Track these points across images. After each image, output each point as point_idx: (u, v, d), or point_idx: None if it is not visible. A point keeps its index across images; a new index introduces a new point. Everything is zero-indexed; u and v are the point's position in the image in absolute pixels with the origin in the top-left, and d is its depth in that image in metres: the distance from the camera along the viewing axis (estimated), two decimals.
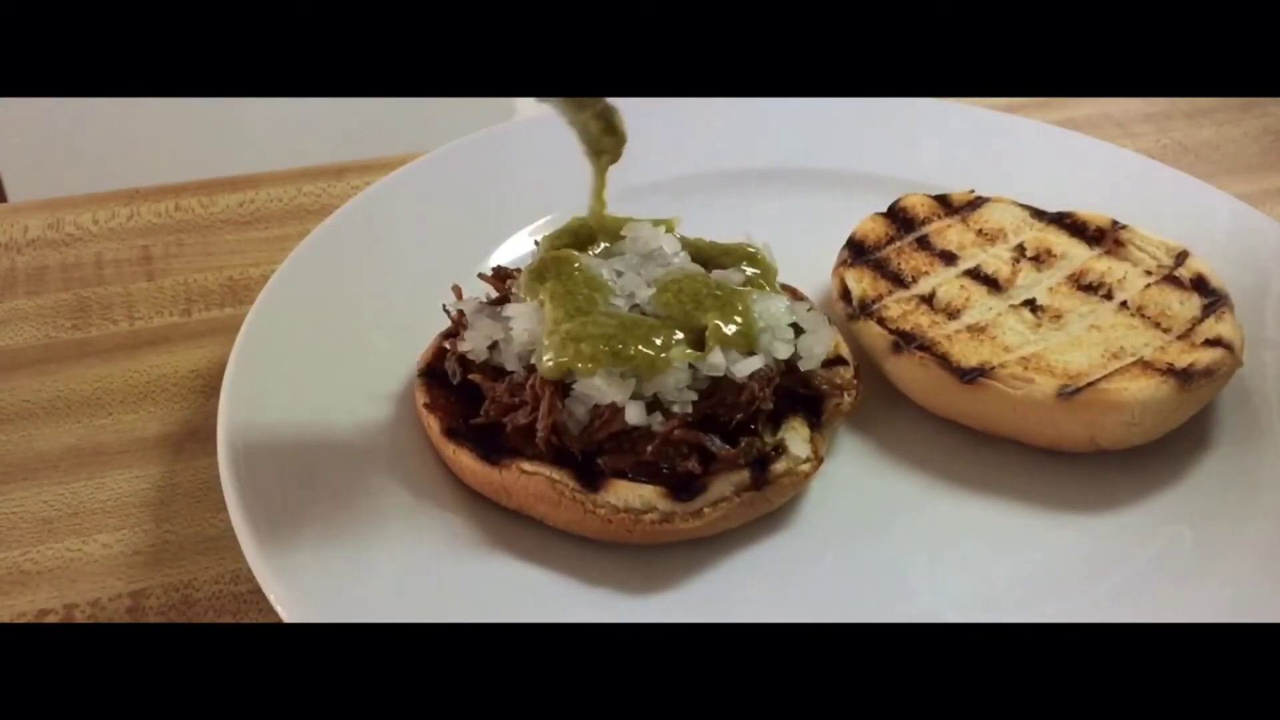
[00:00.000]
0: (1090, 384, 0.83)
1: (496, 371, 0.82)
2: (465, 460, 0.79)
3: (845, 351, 0.89)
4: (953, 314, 0.91)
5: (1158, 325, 0.90)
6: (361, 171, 1.19)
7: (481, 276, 0.90)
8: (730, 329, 0.78)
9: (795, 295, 0.92)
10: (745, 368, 0.77)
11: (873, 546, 0.81)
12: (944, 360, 0.86)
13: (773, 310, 0.81)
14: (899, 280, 0.95)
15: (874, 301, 0.93)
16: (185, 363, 0.96)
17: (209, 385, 0.94)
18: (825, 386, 0.83)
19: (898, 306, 0.92)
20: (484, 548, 0.77)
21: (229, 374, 0.84)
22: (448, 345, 0.85)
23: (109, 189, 1.15)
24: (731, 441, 0.78)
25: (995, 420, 0.86)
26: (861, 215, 1.02)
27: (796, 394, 0.83)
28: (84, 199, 1.13)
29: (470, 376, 0.82)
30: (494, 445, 0.79)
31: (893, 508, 0.84)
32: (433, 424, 0.81)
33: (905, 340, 0.88)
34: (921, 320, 0.90)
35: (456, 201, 1.05)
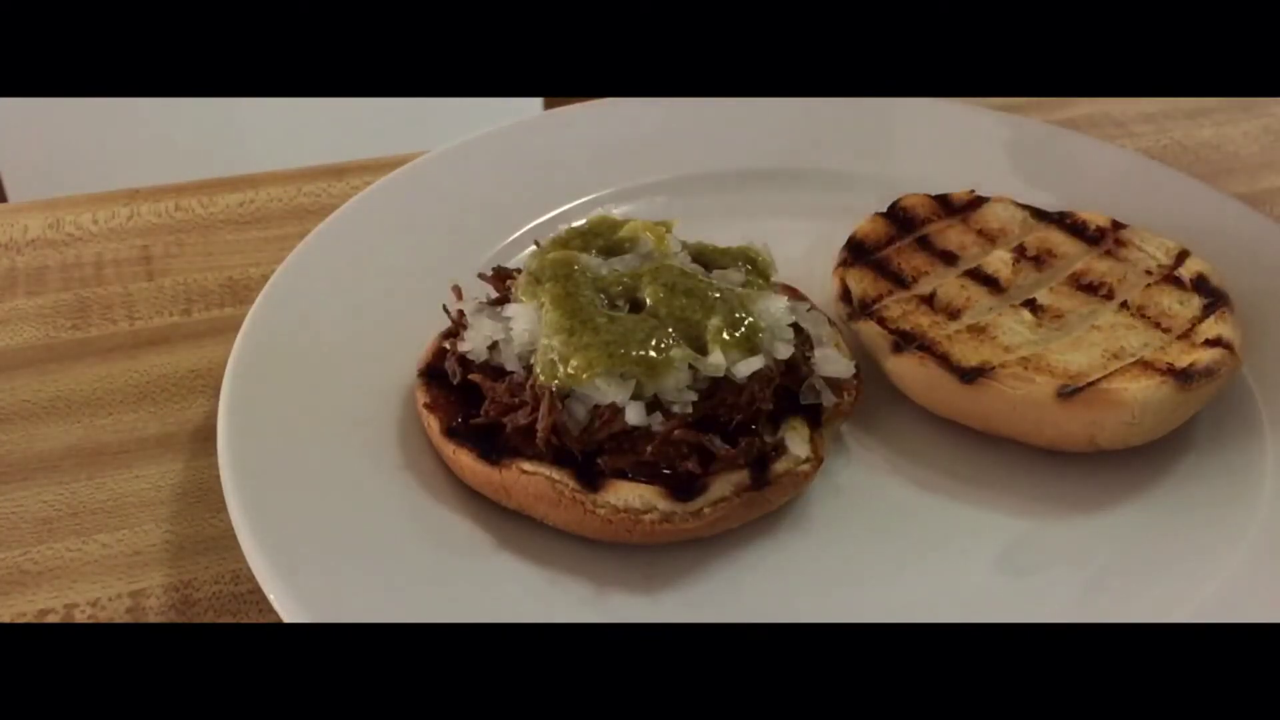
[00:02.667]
0: (1090, 384, 0.83)
1: (496, 371, 0.82)
2: (465, 460, 0.79)
3: (845, 351, 0.89)
4: (953, 314, 0.91)
5: (1158, 325, 0.90)
6: (361, 171, 1.19)
7: (481, 276, 0.90)
8: (731, 330, 0.78)
9: (795, 295, 0.92)
10: (746, 368, 0.77)
11: (873, 546, 0.81)
12: (944, 360, 0.86)
13: (773, 310, 0.81)
14: (899, 280, 0.95)
15: (874, 301, 0.93)
16: (185, 363, 0.96)
17: (209, 385, 0.94)
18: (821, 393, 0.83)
19: (898, 306, 0.92)
20: (484, 548, 0.77)
21: (229, 374, 0.84)
22: (448, 345, 0.85)
23: (109, 189, 1.15)
24: (731, 441, 0.78)
25: (995, 420, 0.86)
26: (861, 215, 1.02)
27: (796, 394, 0.83)
28: (84, 199, 1.13)
29: (470, 376, 0.82)
30: (494, 445, 0.79)
31: (893, 507, 0.84)
32: (433, 424, 0.81)
33: (905, 340, 0.88)
34: (922, 320, 0.90)
35: (456, 201, 1.05)
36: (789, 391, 0.82)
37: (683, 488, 0.76)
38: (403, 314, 0.92)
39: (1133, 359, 0.86)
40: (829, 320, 0.90)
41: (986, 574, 0.79)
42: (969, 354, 0.87)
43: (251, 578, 0.74)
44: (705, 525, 0.77)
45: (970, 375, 0.84)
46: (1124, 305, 0.91)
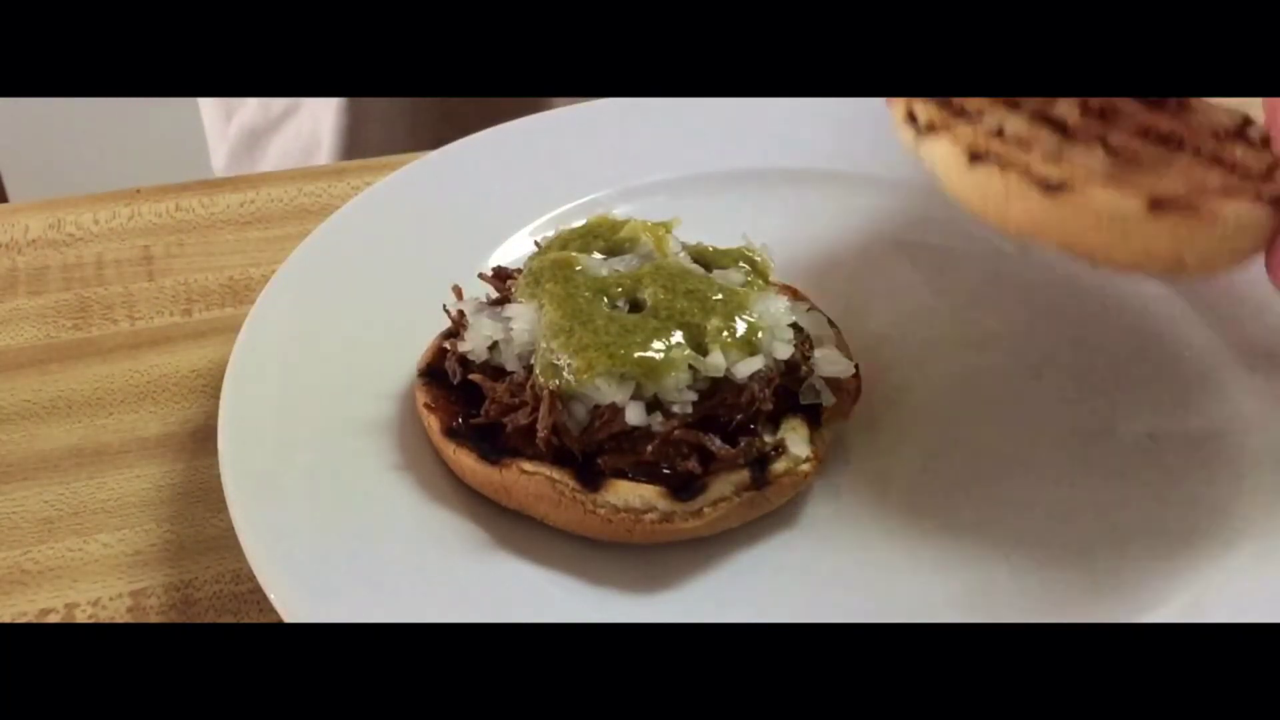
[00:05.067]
0: (1183, 197, 0.77)
1: (496, 371, 0.82)
2: (465, 460, 0.79)
3: (845, 351, 0.89)
4: (1024, 146, 0.84)
5: (1234, 170, 0.83)
6: (361, 171, 1.19)
7: (482, 276, 0.90)
8: (731, 330, 0.78)
9: (795, 295, 0.92)
10: (746, 368, 0.78)
11: (873, 546, 0.81)
12: (1026, 170, 0.79)
13: (773, 311, 0.82)
14: (965, 115, 0.87)
15: (942, 127, 0.85)
16: (186, 362, 0.96)
17: (210, 385, 0.94)
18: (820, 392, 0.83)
19: (968, 132, 0.85)
20: (484, 548, 0.77)
21: (229, 374, 0.84)
22: (448, 345, 0.85)
23: (109, 189, 1.15)
24: (731, 441, 0.78)
25: (1076, 233, 0.79)
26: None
27: (796, 394, 0.83)
28: (84, 199, 1.13)
29: (470, 376, 0.83)
30: (494, 445, 0.79)
31: (893, 507, 0.84)
32: (433, 424, 0.81)
33: (981, 155, 0.81)
34: (994, 144, 0.83)
35: (456, 201, 1.05)
36: (789, 391, 0.82)
37: (683, 488, 0.76)
38: (403, 314, 0.92)
39: (1218, 188, 0.79)
40: (829, 320, 0.90)
41: (986, 575, 0.79)
42: (1050, 172, 0.79)
43: (252, 578, 0.74)
44: (705, 525, 0.77)
45: (1055, 186, 0.78)
46: (1198, 152, 0.85)
